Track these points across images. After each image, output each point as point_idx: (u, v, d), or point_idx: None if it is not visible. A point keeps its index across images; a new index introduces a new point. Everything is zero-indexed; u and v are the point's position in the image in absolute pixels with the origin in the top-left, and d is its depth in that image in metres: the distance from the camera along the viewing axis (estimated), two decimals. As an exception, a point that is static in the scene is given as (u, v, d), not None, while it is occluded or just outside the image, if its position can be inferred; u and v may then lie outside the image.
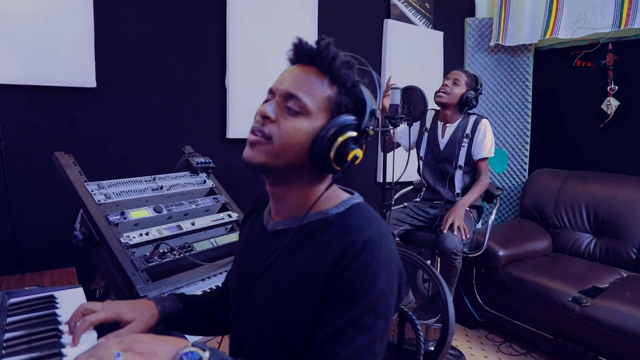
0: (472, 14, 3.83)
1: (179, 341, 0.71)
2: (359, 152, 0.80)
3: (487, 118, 2.49)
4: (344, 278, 0.74)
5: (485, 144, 2.43)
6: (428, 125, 2.60)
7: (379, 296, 0.74)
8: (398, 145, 2.39)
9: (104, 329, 0.89)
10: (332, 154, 0.79)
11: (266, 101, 0.85)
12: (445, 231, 2.25)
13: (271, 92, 0.84)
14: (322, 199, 0.85)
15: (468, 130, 2.44)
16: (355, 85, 0.82)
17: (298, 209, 0.86)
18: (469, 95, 2.41)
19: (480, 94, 2.47)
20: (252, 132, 0.83)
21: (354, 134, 0.80)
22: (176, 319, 1.01)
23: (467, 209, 2.45)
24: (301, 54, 0.84)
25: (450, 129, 2.50)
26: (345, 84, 0.81)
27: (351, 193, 0.90)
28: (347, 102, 0.82)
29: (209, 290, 1.42)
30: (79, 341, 0.85)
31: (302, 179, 0.84)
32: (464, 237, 2.25)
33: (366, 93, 0.83)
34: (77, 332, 0.85)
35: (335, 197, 0.87)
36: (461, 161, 2.47)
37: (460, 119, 2.49)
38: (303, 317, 0.79)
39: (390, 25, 3.21)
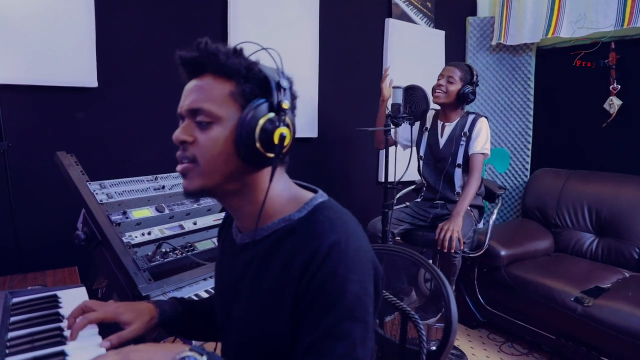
0: (473, 12, 3.83)
1: (177, 347, 0.71)
2: (284, 130, 0.76)
3: (486, 117, 2.48)
4: (313, 287, 0.71)
5: (479, 140, 2.40)
6: (428, 124, 2.60)
7: (352, 300, 0.71)
8: (393, 142, 2.36)
9: (109, 330, 0.90)
10: (258, 145, 0.75)
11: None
12: (439, 247, 2.23)
13: (180, 116, 0.82)
14: (283, 203, 0.82)
15: (466, 129, 2.44)
16: (251, 68, 0.77)
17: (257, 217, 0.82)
18: (466, 91, 2.39)
19: (477, 85, 2.46)
20: (180, 162, 0.81)
21: (270, 115, 0.76)
22: (175, 322, 1.01)
23: (468, 208, 2.45)
24: (189, 68, 0.82)
25: (449, 127, 2.50)
26: (240, 71, 0.77)
27: (315, 191, 0.86)
28: (252, 88, 0.77)
29: (211, 291, 1.42)
30: (77, 337, 0.87)
31: (248, 184, 0.81)
32: (453, 248, 2.20)
33: (266, 69, 0.78)
34: (75, 328, 0.87)
35: (298, 198, 0.83)
36: (459, 160, 2.46)
37: (459, 118, 2.48)
38: (279, 328, 0.76)
39: (392, 25, 3.21)
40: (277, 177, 0.82)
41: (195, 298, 1.34)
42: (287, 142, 0.78)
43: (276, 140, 0.76)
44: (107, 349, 0.85)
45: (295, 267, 0.74)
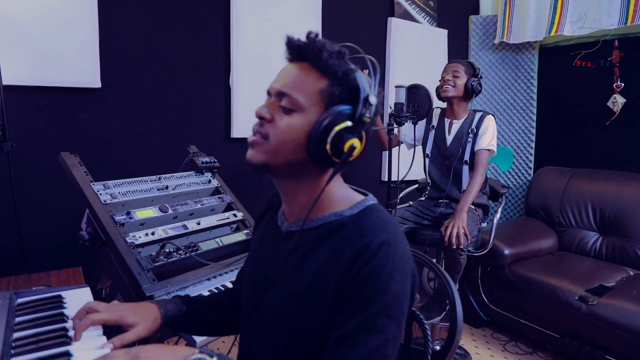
0: (476, 11, 3.82)
1: (185, 349, 0.72)
2: (355, 142, 0.78)
3: (493, 115, 2.48)
4: (357, 280, 0.74)
5: (486, 136, 2.41)
6: (435, 122, 2.59)
7: (392, 299, 0.74)
8: (399, 143, 2.37)
9: (112, 330, 0.90)
10: (328, 146, 0.77)
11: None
12: (446, 243, 2.23)
13: (268, 93, 0.85)
14: (336, 200, 0.85)
15: (474, 126, 2.44)
16: (348, 74, 0.80)
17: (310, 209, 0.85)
18: (473, 83, 2.40)
19: (481, 77, 2.46)
20: (253, 133, 0.84)
21: (348, 123, 0.78)
22: (179, 322, 1.01)
23: (472, 207, 2.44)
24: (293, 51, 0.84)
25: (457, 124, 2.50)
26: (336, 74, 0.79)
27: (365, 194, 0.89)
28: (341, 93, 0.80)
29: (215, 290, 1.42)
30: (81, 337, 0.87)
31: (307, 177, 0.84)
32: (461, 244, 2.21)
33: (361, 80, 0.80)
34: (79, 328, 0.87)
35: (350, 198, 0.86)
36: (467, 156, 2.46)
37: (467, 115, 2.48)
38: (317, 319, 0.78)
39: (394, 24, 3.21)
40: (334, 177, 0.84)
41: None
42: (355, 152, 0.79)
43: (345, 149, 0.78)
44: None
45: (343, 260, 0.76)
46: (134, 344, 0.89)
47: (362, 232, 0.78)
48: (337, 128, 0.77)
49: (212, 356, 0.69)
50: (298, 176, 0.84)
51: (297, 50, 0.83)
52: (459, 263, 2.29)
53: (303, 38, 0.82)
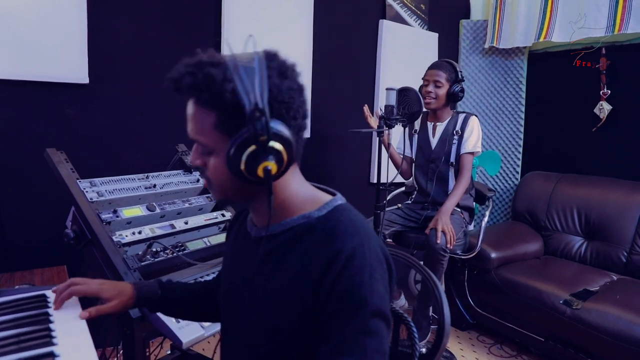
0: (467, 16, 3.85)
1: None
2: (268, 164, 0.71)
3: (476, 115, 2.50)
4: (340, 286, 0.73)
5: (471, 139, 2.42)
6: (417, 127, 2.60)
7: (379, 298, 0.74)
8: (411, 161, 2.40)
9: (88, 304, 1.01)
10: (249, 177, 0.73)
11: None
12: (438, 241, 2.24)
13: None
14: (302, 201, 0.83)
15: (458, 127, 2.46)
16: (223, 97, 0.71)
17: (276, 214, 0.83)
18: (455, 90, 2.41)
19: (463, 80, 2.46)
20: None
21: (251, 148, 0.70)
22: (152, 304, 1.07)
23: (458, 209, 2.46)
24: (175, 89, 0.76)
25: (441, 127, 2.51)
26: (218, 102, 0.72)
27: (333, 194, 0.88)
28: (231, 118, 0.72)
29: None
30: (61, 307, 0.99)
31: (261, 192, 0.79)
32: (449, 245, 2.24)
33: (243, 90, 0.68)
34: (61, 298, 0.99)
35: (317, 199, 0.85)
36: (452, 158, 2.47)
37: (450, 117, 2.50)
38: (293, 324, 0.78)
39: (386, 26, 3.22)
40: (293, 177, 0.84)
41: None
42: (274, 172, 0.73)
43: (261, 174, 0.72)
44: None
45: (315, 263, 0.76)
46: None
47: (332, 235, 0.77)
48: (243, 161, 0.71)
49: None
50: (254, 195, 0.82)
51: (174, 89, 0.75)
52: (441, 265, 2.28)
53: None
